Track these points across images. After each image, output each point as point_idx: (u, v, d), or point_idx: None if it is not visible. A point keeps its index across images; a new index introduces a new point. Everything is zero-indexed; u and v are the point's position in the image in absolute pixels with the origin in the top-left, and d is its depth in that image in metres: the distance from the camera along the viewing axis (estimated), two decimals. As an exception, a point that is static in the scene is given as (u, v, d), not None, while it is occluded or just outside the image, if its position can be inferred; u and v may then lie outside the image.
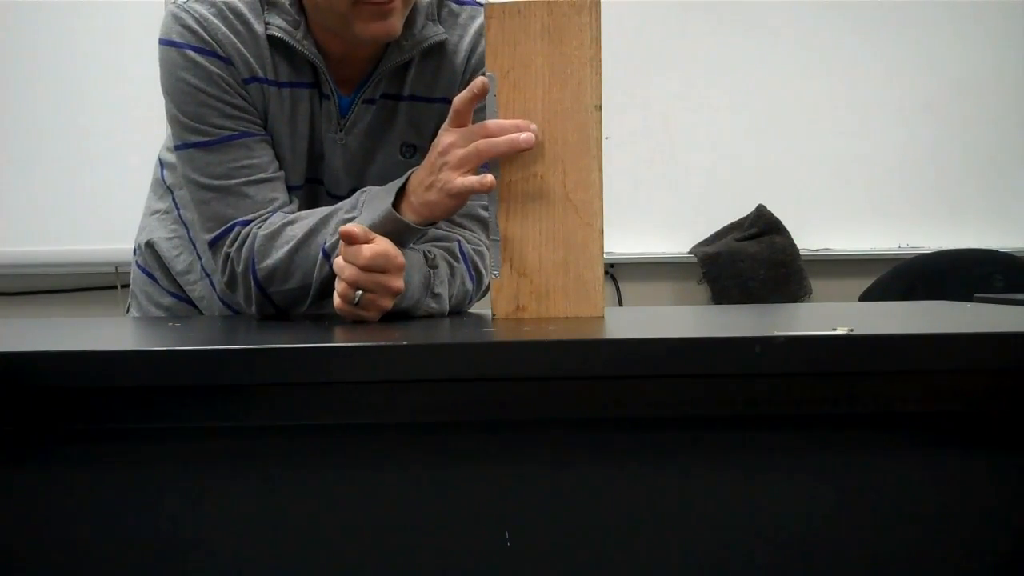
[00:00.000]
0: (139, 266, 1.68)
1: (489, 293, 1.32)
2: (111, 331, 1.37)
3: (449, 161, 1.27)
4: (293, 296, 1.39)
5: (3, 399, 0.93)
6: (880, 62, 3.36)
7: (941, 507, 0.97)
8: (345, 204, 1.38)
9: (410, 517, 0.95)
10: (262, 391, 0.94)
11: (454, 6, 1.48)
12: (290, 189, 1.49)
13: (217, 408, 0.94)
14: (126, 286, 3.20)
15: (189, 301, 1.61)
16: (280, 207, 1.42)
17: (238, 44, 1.40)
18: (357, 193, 1.38)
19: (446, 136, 1.28)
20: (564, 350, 0.95)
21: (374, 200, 1.34)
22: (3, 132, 3.13)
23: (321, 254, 1.35)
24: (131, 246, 1.74)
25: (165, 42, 1.42)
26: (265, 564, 0.95)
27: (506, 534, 0.95)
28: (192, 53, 1.39)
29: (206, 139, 1.41)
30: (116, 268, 3.13)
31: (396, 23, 1.37)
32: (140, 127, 3.03)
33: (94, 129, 3.12)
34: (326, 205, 1.52)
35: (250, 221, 1.41)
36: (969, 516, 0.97)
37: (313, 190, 1.51)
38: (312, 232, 1.37)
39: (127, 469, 0.95)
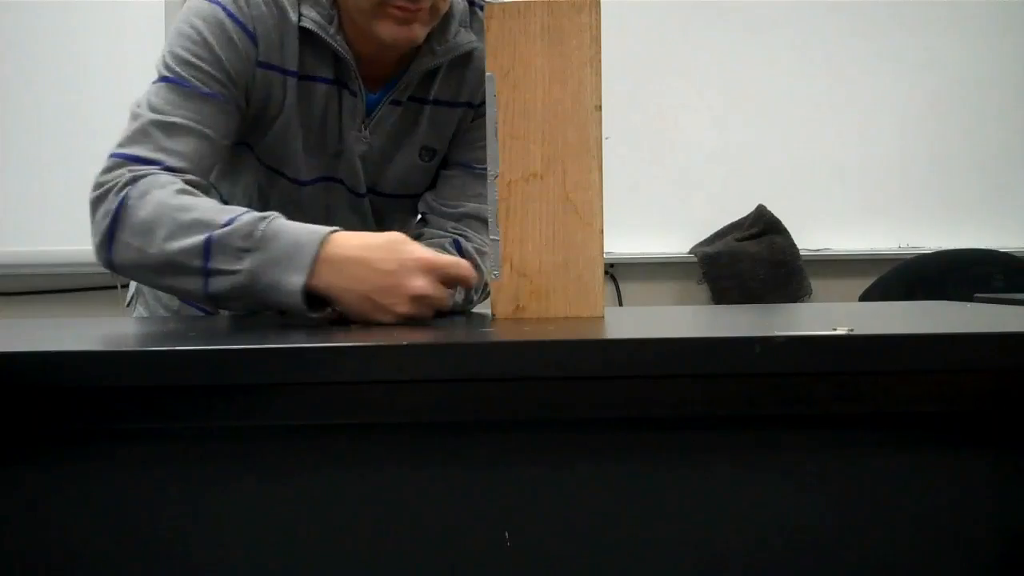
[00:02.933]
0: None
1: (489, 293, 1.32)
2: (111, 331, 1.37)
3: (418, 313, 1.20)
4: (127, 257, 1.29)
5: (3, 399, 0.93)
6: (880, 62, 3.36)
7: (941, 507, 0.97)
8: (240, 228, 1.22)
9: (410, 517, 0.95)
10: (262, 391, 0.94)
11: (480, 12, 1.49)
12: (302, 184, 1.49)
13: (217, 408, 0.94)
14: (126, 286, 3.21)
15: (197, 305, 1.60)
16: (200, 173, 1.36)
17: (270, 28, 1.40)
18: (255, 218, 1.23)
19: (419, 280, 1.19)
20: (564, 350, 0.95)
21: (278, 246, 1.20)
22: (3, 132, 3.13)
23: (199, 278, 1.24)
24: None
25: None
26: (265, 564, 0.95)
27: (506, 534, 0.95)
28: (222, 13, 1.38)
29: (177, 80, 1.37)
30: (116, 268, 3.13)
31: (419, 31, 1.38)
32: (140, 127, 3.03)
33: (94, 129, 3.10)
34: (346, 204, 1.52)
35: (168, 170, 1.32)
36: (969, 516, 0.97)
37: (330, 188, 1.51)
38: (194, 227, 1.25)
39: (127, 469, 0.95)
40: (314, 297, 1.21)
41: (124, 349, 1.00)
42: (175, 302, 1.62)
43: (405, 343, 0.96)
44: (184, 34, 1.39)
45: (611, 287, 3.35)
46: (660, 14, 3.33)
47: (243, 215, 1.24)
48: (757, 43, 3.34)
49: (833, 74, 3.35)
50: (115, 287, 3.16)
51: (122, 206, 1.29)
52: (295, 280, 1.19)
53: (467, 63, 1.50)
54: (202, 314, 1.59)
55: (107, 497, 0.95)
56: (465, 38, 1.47)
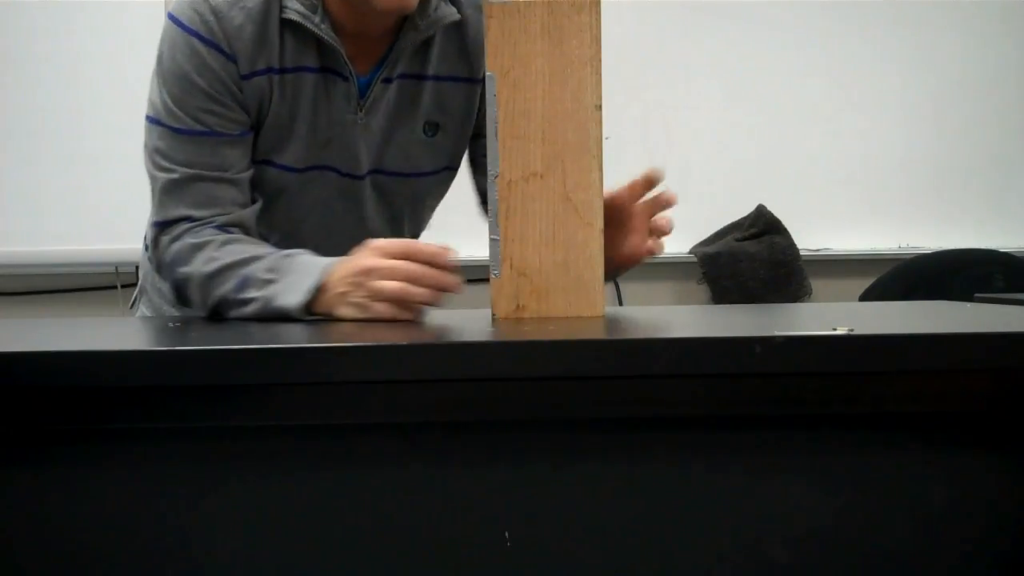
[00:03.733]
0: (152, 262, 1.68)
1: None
2: (111, 331, 1.37)
3: (371, 288, 1.25)
4: (198, 311, 1.42)
5: (3, 399, 0.93)
6: (880, 62, 3.36)
7: (941, 507, 0.97)
8: (263, 263, 1.35)
9: (410, 517, 0.95)
10: (262, 391, 0.94)
11: None
12: (293, 171, 1.50)
13: (217, 408, 0.94)
14: (126, 286, 3.21)
15: None
16: (232, 207, 1.44)
17: (246, 36, 1.41)
18: (279, 256, 1.36)
19: (369, 259, 1.27)
20: (564, 350, 0.95)
21: (292, 277, 1.32)
22: (3, 132, 3.13)
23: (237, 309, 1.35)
24: (131, 246, 1.73)
25: (173, 19, 1.42)
26: (265, 564, 0.95)
27: (506, 534, 0.95)
28: (195, 41, 1.40)
29: (178, 126, 1.42)
30: (116, 268, 3.13)
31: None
32: (140, 127, 3.03)
33: (94, 129, 3.11)
34: (335, 191, 1.54)
35: (198, 220, 1.42)
36: (969, 516, 0.97)
37: (323, 176, 1.52)
38: (226, 274, 1.37)
39: (127, 469, 0.95)
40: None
41: (124, 349, 1.00)
42: None
43: (405, 343, 0.96)
44: (167, 70, 1.43)
45: (611, 287, 3.35)
46: (660, 14, 3.33)
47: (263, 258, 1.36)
48: (757, 43, 3.34)
49: (833, 74, 3.35)
50: (115, 287, 3.16)
51: (176, 280, 1.44)
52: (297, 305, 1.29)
53: (461, 35, 1.50)
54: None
55: (107, 497, 0.95)
56: (445, 11, 1.48)
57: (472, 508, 0.96)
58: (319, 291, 1.28)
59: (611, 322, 1.21)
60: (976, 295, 1.70)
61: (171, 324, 1.39)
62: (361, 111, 1.48)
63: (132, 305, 1.74)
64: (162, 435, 0.95)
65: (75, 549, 0.95)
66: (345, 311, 1.26)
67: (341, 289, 1.26)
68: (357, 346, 0.97)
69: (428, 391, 0.94)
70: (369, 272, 1.25)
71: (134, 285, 1.77)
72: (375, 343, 0.98)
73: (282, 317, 1.29)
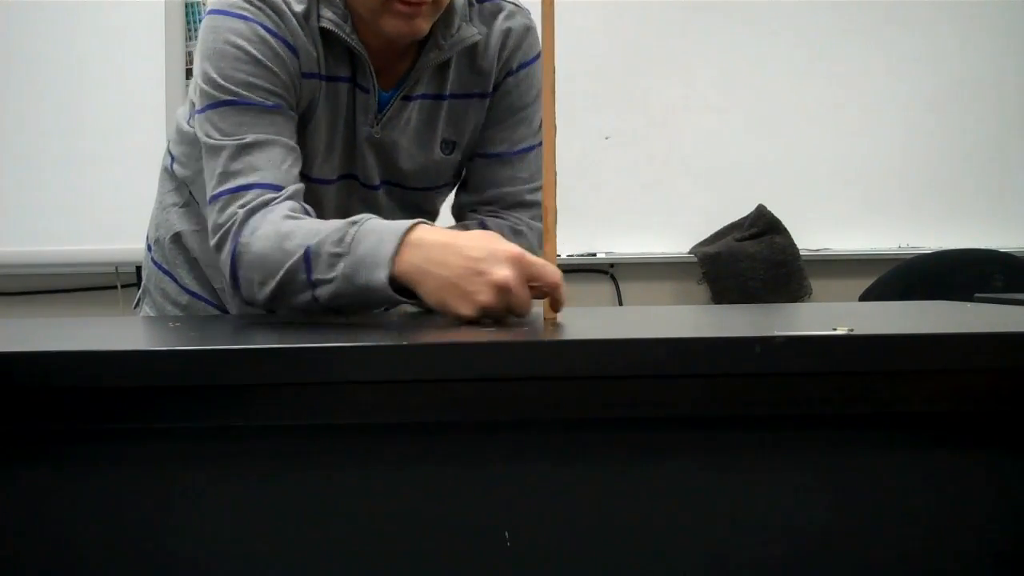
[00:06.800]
0: (156, 263, 1.67)
1: None
2: (111, 331, 1.37)
3: (506, 307, 1.17)
4: (251, 291, 1.34)
5: (3, 399, 0.93)
6: (880, 62, 3.36)
7: (941, 507, 0.97)
8: (331, 235, 1.25)
9: (410, 517, 0.95)
10: (262, 391, 0.94)
11: (478, 6, 1.52)
12: (324, 183, 1.50)
13: (217, 408, 0.94)
14: (126, 286, 3.21)
15: (208, 300, 1.61)
16: (294, 181, 1.40)
17: (304, 38, 1.42)
18: (346, 224, 1.27)
19: (505, 270, 1.16)
20: (564, 350, 0.95)
21: (366, 246, 1.23)
22: (3, 132, 3.13)
23: (309, 291, 1.27)
24: (131, 246, 1.73)
25: (227, 12, 1.41)
26: (265, 564, 0.95)
27: (506, 534, 0.95)
28: (260, 29, 1.40)
29: (240, 99, 1.39)
30: (116, 268, 3.13)
31: (422, 24, 1.41)
32: (140, 127, 3.03)
33: (94, 129, 3.12)
34: (360, 199, 1.54)
35: (268, 188, 1.35)
36: (969, 516, 0.97)
37: (348, 185, 1.53)
38: (297, 249, 1.29)
39: (127, 469, 0.95)
40: (408, 291, 1.22)
41: (124, 349, 1.00)
42: (184, 297, 1.62)
43: (405, 343, 0.96)
44: (227, 54, 1.39)
45: (611, 287, 3.35)
46: (660, 13, 3.33)
47: (336, 223, 1.27)
48: (757, 43, 3.34)
49: (833, 74, 3.35)
50: (115, 287, 3.16)
51: (238, 245, 1.33)
52: (381, 275, 1.21)
53: (473, 54, 1.52)
54: (216, 312, 1.59)
55: (107, 497, 0.95)
56: (467, 31, 1.49)
57: (472, 508, 0.96)
58: (402, 261, 1.20)
59: (611, 322, 1.21)
60: (976, 295, 1.70)
61: (172, 324, 1.39)
62: (377, 124, 1.49)
63: (136, 305, 1.74)
64: (162, 435, 0.95)
65: (75, 549, 0.95)
66: (465, 308, 1.17)
67: (463, 283, 1.17)
68: (357, 346, 0.97)
69: (428, 391, 0.94)
70: (509, 292, 1.16)
71: (134, 285, 1.77)
72: (375, 343, 0.98)
73: (367, 295, 1.23)
